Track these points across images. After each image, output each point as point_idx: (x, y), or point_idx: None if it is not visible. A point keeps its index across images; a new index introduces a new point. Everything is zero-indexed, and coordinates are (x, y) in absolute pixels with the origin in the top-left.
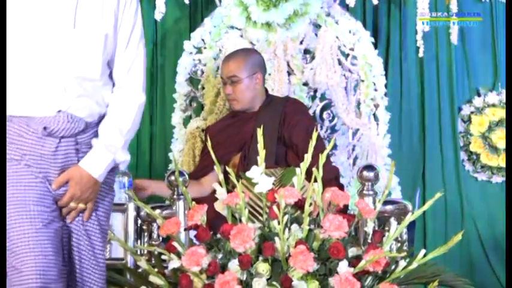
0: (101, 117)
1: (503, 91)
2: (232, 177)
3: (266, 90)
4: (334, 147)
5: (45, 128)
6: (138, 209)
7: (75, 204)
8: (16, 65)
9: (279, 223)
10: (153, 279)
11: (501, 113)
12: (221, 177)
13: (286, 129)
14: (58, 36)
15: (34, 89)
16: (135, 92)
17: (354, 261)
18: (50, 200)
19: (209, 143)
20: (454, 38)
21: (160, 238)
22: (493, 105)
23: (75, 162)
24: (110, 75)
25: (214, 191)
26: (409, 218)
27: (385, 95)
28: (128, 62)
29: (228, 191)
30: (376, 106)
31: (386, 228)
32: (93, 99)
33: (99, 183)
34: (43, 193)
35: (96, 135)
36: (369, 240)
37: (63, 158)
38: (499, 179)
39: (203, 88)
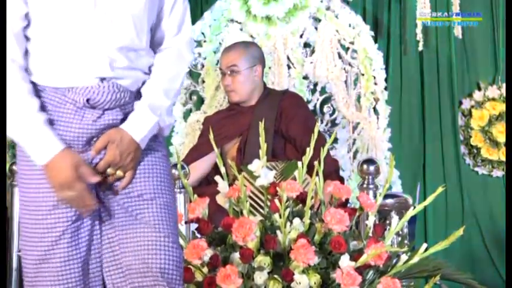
0: (141, 84)
1: (504, 85)
2: (234, 170)
3: (264, 84)
4: (335, 140)
5: (88, 100)
6: None
7: (112, 171)
8: (52, 34)
9: (280, 216)
10: None
11: (501, 107)
12: (223, 170)
13: (284, 123)
14: (99, 1)
15: (74, 57)
16: (184, 52)
17: (355, 255)
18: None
19: (211, 136)
20: (458, 32)
21: None
22: (493, 99)
23: None
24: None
25: (215, 184)
26: (411, 212)
27: (385, 88)
28: (175, 23)
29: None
30: (376, 100)
31: (387, 222)
32: (139, 68)
33: (141, 150)
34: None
35: None
36: (370, 234)
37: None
38: (500, 173)
39: (203, 82)
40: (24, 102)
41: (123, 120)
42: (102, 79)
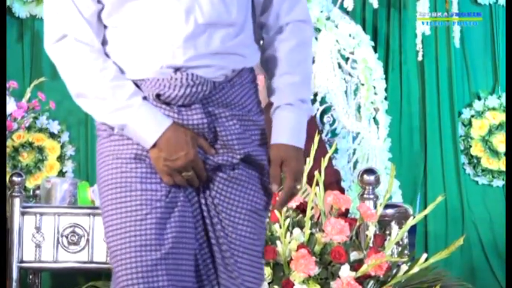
0: (236, 72)
1: (503, 94)
2: None
3: None
4: (335, 150)
5: (158, 96)
6: None
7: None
8: (126, 16)
9: (280, 227)
10: None
11: (501, 117)
12: None
13: None
14: None
15: (146, 43)
16: (308, 29)
17: (355, 265)
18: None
19: None
20: (457, 41)
21: None
22: (493, 109)
23: (207, 130)
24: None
25: None
26: (411, 222)
27: (385, 98)
28: None
29: None
30: (376, 110)
31: (387, 232)
32: (229, 52)
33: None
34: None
35: (230, 94)
36: (371, 244)
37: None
38: (500, 182)
39: None
40: (117, 84)
41: (208, 113)
42: (176, 69)
